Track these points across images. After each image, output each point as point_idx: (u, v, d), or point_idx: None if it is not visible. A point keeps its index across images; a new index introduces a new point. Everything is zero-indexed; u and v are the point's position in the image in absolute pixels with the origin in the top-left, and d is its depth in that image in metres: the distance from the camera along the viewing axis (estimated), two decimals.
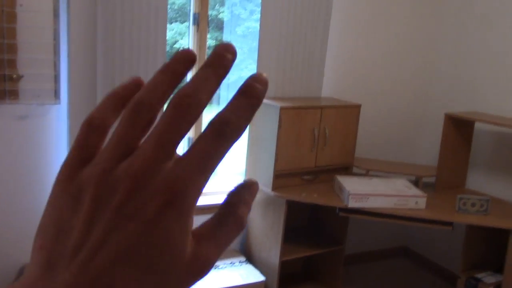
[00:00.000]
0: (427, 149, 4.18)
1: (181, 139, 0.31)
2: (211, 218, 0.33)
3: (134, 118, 0.31)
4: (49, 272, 0.30)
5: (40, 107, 2.95)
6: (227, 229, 0.33)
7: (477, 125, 3.66)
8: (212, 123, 0.31)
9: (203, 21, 3.42)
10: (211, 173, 0.31)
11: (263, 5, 3.37)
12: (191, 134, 3.56)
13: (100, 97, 2.95)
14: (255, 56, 3.54)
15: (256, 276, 3.28)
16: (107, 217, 0.29)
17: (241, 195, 0.34)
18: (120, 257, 0.29)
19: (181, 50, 0.33)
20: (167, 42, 3.22)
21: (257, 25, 3.48)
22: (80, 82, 2.97)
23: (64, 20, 2.90)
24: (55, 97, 2.94)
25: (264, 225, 3.47)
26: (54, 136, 3.03)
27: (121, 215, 0.29)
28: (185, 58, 0.33)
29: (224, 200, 0.34)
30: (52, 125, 3.01)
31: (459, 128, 3.57)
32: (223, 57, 0.32)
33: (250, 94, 0.32)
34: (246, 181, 0.35)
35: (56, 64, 2.91)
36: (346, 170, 3.65)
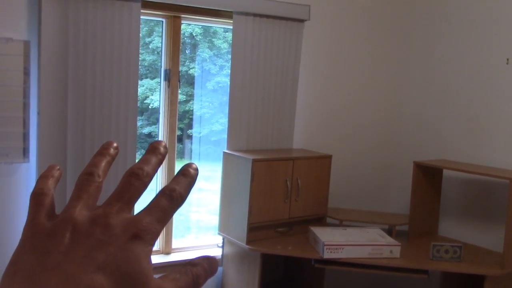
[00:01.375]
0: (398, 196, 4.22)
1: (136, 197, 0.43)
2: (173, 271, 0.42)
3: (89, 182, 0.44)
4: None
5: (9, 166, 2.90)
6: (186, 279, 0.41)
7: (446, 172, 3.74)
8: (163, 190, 0.43)
9: (174, 77, 3.46)
10: (165, 223, 0.42)
11: (233, 60, 3.44)
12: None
13: (70, 155, 2.93)
14: (225, 110, 3.58)
15: None
16: (91, 241, 0.39)
17: (202, 262, 0.43)
18: (102, 267, 0.38)
19: (108, 141, 0.47)
20: (138, 98, 3.23)
21: (227, 79, 3.54)
22: (50, 140, 2.94)
23: (35, 78, 2.91)
24: (24, 155, 2.90)
25: (239, 279, 3.41)
26: (23, 196, 2.96)
27: (102, 241, 0.39)
28: (112, 146, 0.47)
29: (186, 262, 0.43)
30: (20, 184, 2.96)
31: (428, 176, 3.63)
32: (159, 148, 0.46)
33: (187, 174, 0.45)
34: (209, 255, 0.44)
35: (26, 122, 2.89)
36: (320, 220, 3.65)
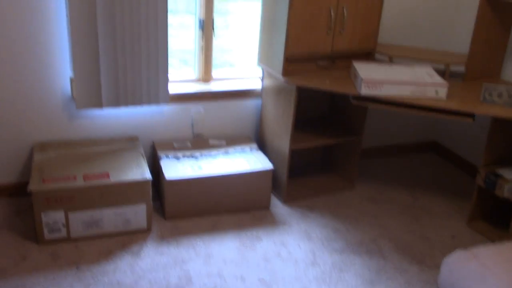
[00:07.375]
0: (462, 37, 3.78)
1: None
2: None
3: None
4: None
5: None
6: None
7: None
8: None
9: None
10: None
11: None
12: None
13: (102, 61, 2.82)
14: None
15: (264, 163, 3.20)
16: None
17: None
18: None
19: None
20: None
21: None
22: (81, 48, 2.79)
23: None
24: None
25: (275, 113, 3.33)
26: None
27: None
28: None
29: None
30: None
31: (498, 11, 3.16)
32: None
33: None
34: None
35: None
36: (367, 56, 3.38)
